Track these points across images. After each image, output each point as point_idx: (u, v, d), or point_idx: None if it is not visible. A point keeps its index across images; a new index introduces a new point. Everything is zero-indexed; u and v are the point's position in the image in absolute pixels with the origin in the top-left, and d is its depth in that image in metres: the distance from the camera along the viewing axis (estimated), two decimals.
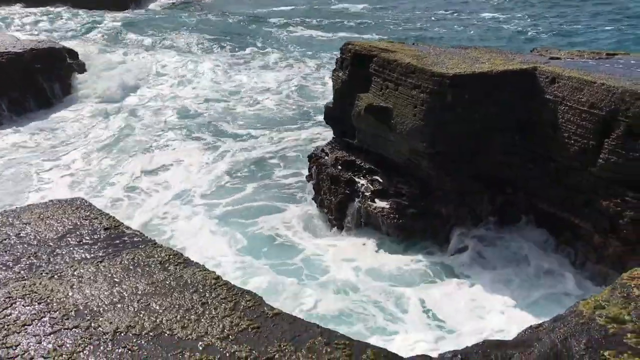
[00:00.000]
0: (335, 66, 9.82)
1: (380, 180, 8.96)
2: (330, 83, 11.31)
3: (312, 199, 9.82)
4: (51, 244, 3.75)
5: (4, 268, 3.48)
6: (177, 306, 3.09)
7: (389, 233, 8.75)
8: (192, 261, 3.52)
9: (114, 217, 4.08)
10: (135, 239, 3.79)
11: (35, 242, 3.76)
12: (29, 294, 3.20)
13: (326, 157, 9.60)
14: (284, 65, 20.30)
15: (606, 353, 2.50)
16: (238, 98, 16.70)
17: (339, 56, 9.70)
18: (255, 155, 12.47)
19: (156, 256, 3.56)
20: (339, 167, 9.34)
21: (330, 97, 10.45)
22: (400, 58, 8.54)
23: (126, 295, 3.20)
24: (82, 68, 17.83)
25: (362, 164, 9.26)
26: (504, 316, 7.20)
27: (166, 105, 16.21)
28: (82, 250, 3.66)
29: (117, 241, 3.77)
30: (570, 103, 7.71)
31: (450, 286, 7.87)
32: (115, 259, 3.54)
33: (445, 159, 8.32)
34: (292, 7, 34.87)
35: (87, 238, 3.80)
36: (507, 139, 8.30)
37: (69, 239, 3.80)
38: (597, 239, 7.82)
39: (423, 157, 8.30)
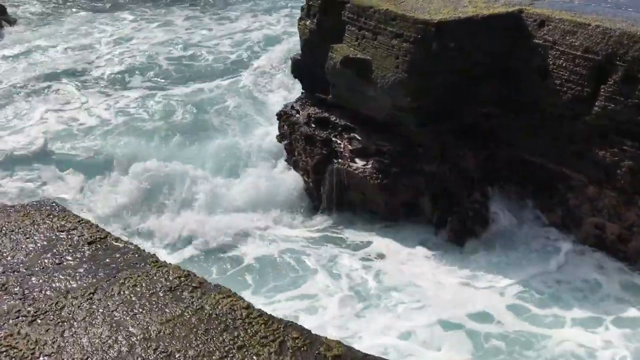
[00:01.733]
0: (301, 14, 8.95)
1: (359, 138, 8.32)
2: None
3: (285, 160, 9.10)
4: (22, 269, 2.96)
5: None
6: (207, 353, 2.41)
7: (372, 197, 8.21)
8: (209, 283, 2.82)
9: (96, 226, 3.28)
10: (129, 255, 3.04)
11: (0, 269, 2.97)
12: (6, 351, 2.44)
13: (297, 115, 8.85)
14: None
15: None
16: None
17: (304, 2, 8.82)
18: None
19: (163, 280, 2.83)
20: (313, 125, 8.62)
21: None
22: (376, 4, 7.77)
23: (137, 341, 2.49)
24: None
25: (337, 120, 8.55)
26: None
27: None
28: (64, 277, 2.89)
29: (108, 260, 3.01)
30: (562, 48, 7.19)
31: None
32: (111, 287, 2.79)
33: (428, 114, 7.75)
34: None
35: (69, 258, 3.02)
36: (491, 88, 7.79)
37: (44, 260, 3.02)
38: (591, 190, 7.52)
39: (407, 113, 7.69)
